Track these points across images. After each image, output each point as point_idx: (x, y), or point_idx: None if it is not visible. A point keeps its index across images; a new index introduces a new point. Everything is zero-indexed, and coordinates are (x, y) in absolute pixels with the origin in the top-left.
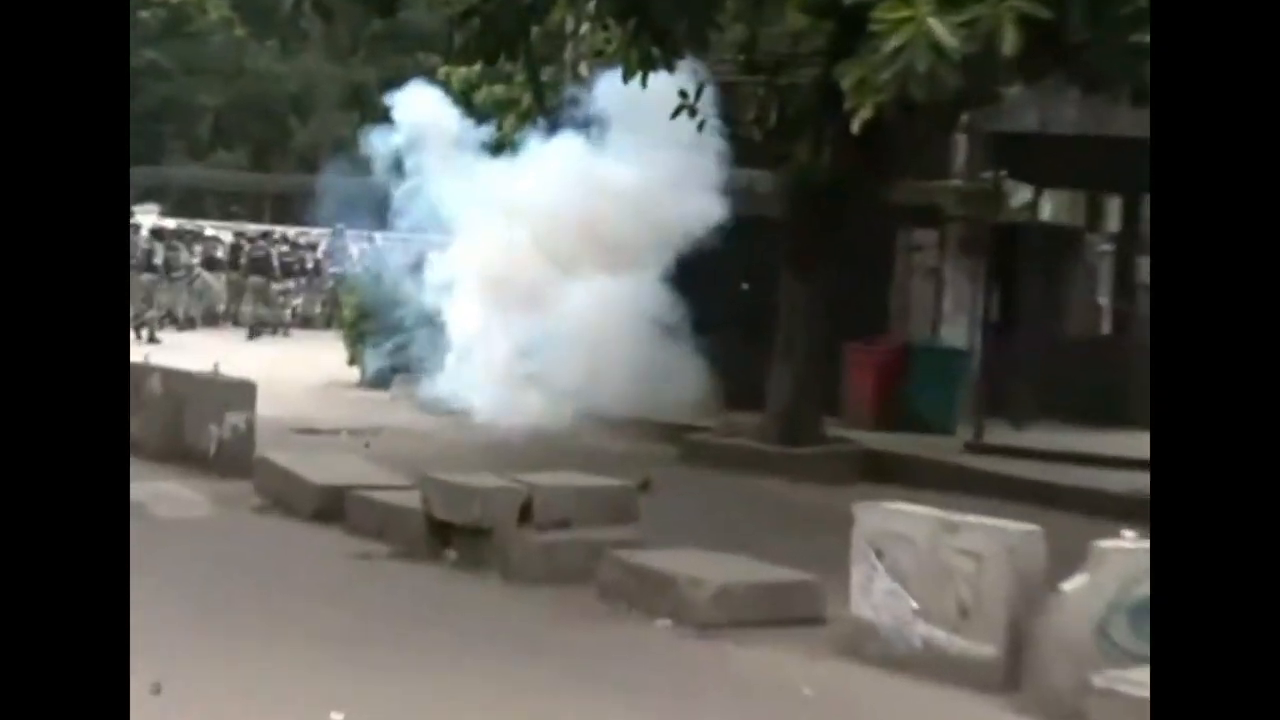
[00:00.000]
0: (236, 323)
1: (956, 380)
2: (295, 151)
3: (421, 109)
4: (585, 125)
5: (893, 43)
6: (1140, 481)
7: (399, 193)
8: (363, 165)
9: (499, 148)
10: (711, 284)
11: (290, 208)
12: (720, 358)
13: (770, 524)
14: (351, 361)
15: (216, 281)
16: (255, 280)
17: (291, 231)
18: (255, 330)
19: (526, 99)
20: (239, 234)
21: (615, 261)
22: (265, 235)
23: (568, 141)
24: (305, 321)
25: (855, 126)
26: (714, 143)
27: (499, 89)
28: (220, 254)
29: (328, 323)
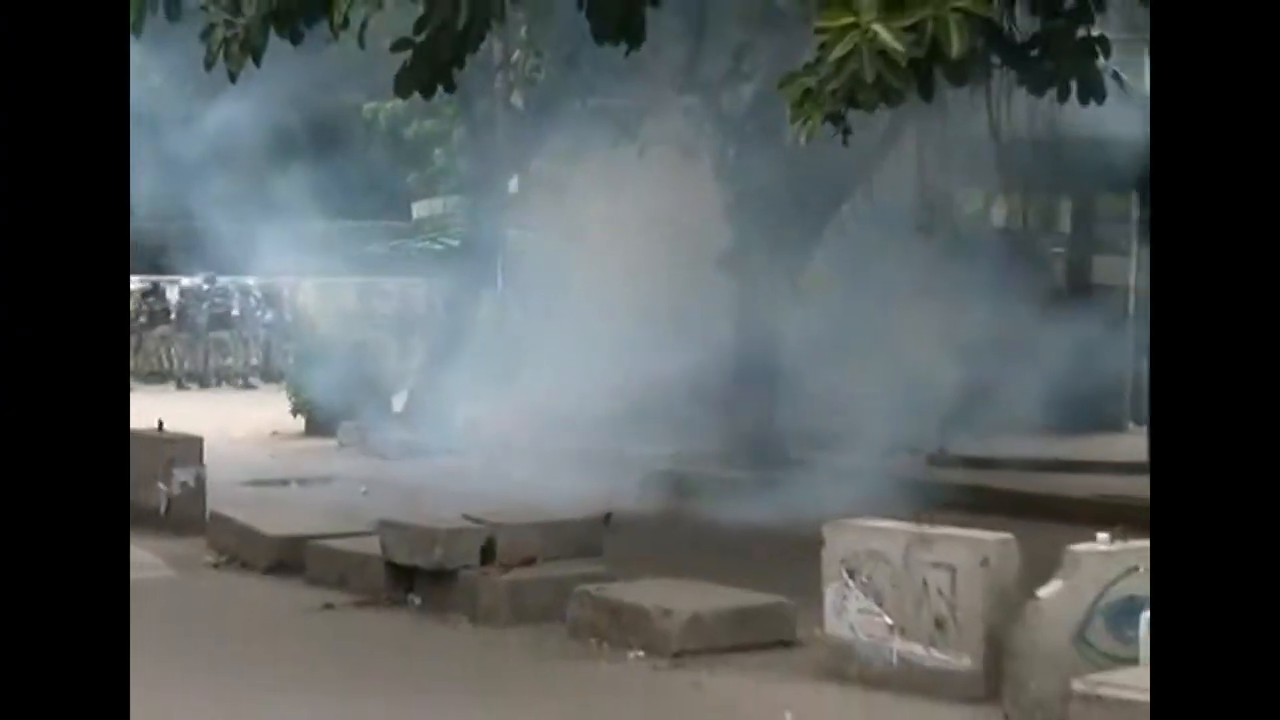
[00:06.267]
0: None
1: None
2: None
3: None
4: None
5: (838, 51)
6: (1111, 486)
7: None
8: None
9: None
10: None
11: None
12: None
13: (735, 552)
14: (295, 411)
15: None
16: (183, 334)
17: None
18: (182, 384)
19: (458, 132)
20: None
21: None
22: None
23: None
24: (240, 375)
25: (803, 140)
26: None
27: (429, 123)
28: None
29: (262, 375)
